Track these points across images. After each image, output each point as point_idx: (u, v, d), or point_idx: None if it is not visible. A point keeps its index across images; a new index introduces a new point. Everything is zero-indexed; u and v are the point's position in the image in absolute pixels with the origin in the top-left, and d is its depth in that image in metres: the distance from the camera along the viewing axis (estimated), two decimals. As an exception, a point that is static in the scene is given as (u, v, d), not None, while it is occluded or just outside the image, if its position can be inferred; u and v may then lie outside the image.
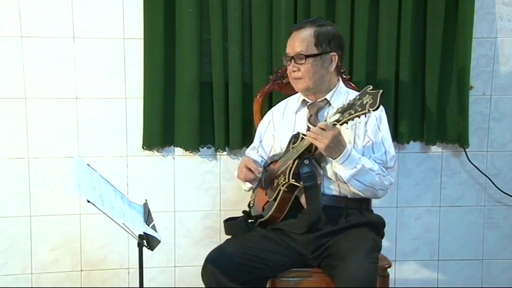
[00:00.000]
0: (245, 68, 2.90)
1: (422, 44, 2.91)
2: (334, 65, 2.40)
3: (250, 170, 2.39)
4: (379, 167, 2.32)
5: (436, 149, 3.07)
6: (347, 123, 2.13)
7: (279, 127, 2.51)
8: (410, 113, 2.94)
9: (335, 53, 2.39)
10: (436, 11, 2.86)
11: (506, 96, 3.05)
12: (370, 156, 2.33)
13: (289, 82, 2.64)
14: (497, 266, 3.17)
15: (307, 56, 2.35)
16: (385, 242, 2.45)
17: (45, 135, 2.88)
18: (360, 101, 2.07)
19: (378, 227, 2.42)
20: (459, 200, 3.11)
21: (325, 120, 2.19)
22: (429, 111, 2.94)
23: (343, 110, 2.12)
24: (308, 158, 2.27)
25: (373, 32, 2.87)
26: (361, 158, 2.28)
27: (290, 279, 2.37)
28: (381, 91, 2.04)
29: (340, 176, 2.29)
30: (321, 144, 2.18)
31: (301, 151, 2.25)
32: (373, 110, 2.05)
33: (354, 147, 2.31)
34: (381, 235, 2.44)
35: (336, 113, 2.15)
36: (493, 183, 3.06)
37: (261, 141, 2.58)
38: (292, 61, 2.38)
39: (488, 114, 3.06)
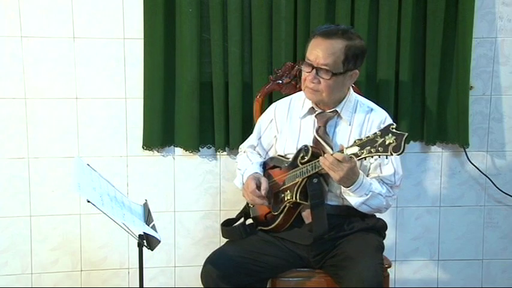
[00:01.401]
0: (245, 68, 2.89)
1: (422, 44, 2.91)
2: (353, 81, 2.34)
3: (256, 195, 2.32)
4: (386, 189, 2.31)
5: (436, 149, 3.07)
6: (365, 159, 2.08)
7: (282, 130, 2.45)
8: (410, 113, 2.94)
9: (357, 71, 2.31)
10: (436, 11, 2.86)
11: (506, 96, 3.04)
12: (379, 176, 2.32)
13: (289, 82, 2.64)
14: (497, 266, 3.17)
15: (333, 74, 2.23)
16: (385, 242, 2.45)
17: (45, 135, 2.88)
18: (382, 140, 2.00)
19: (380, 230, 2.43)
20: (459, 200, 3.11)
21: (342, 151, 2.12)
22: (429, 111, 2.94)
23: (362, 144, 2.06)
24: (317, 177, 2.23)
25: (373, 32, 2.87)
26: (372, 184, 2.25)
27: (291, 279, 2.37)
28: (406, 135, 1.98)
29: (348, 201, 2.28)
30: (335, 176, 2.14)
31: (312, 173, 2.21)
32: (397, 155, 2.00)
33: (360, 164, 2.26)
34: (383, 237, 2.45)
35: (354, 145, 2.08)
36: (493, 183, 3.06)
37: (259, 138, 2.54)
38: (313, 71, 2.25)
39: (488, 114, 3.05)
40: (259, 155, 2.54)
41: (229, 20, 2.83)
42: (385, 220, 2.47)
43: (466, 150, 3.01)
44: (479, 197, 3.11)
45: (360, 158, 2.07)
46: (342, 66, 2.24)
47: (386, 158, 2.06)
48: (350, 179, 2.17)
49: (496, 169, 3.09)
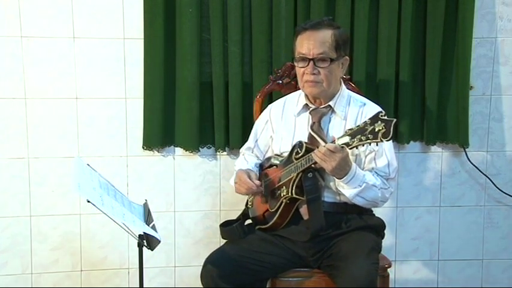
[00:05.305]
0: (245, 68, 2.89)
1: (422, 44, 2.91)
2: (345, 69, 2.38)
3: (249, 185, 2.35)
4: (381, 181, 2.31)
5: (436, 149, 3.07)
6: (356, 148, 2.10)
7: (277, 129, 2.48)
8: (410, 113, 2.94)
9: (347, 57, 2.35)
10: (436, 11, 2.86)
11: (506, 96, 3.05)
12: (373, 168, 2.32)
13: (289, 82, 2.64)
14: (497, 266, 3.17)
15: (331, 60, 2.27)
16: (385, 242, 2.46)
17: (45, 135, 2.88)
18: (372, 127, 2.02)
19: (378, 229, 2.42)
20: (459, 200, 3.11)
21: (333, 141, 2.14)
22: (429, 111, 2.94)
23: (352, 134, 2.07)
24: (312, 171, 2.24)
25: (373, 32, 2.87)
26: (365, 175, 2.26)
27: (291, 279, 2.37)
28: (395, 120, 2.00)
29: (343, 193, 2.28)
30: (328, 166, 2.15)
31: (305, 166, 2.22)
32: (386, 141, 2.02)
33: (355, 159, 2.29)
34: (381, 236, 2.44)
35: (345, 135, 2.10)
36: (493, 183, 3.06)
37: (256, 141, 2.56)
38: (311, 63, 2.29)
39: (488, 114, 3.06)
40: (257, 157, 2.56)
41: (229, 20, 2.83)
42: (384, 220, 2.46)
43: (466, 150, 3.01)
44: (479, 197, 3.11)
45: (351, 147, 2.09)
46: (335, 52, 2.29)
47: (377, 145, 2.06)
48: (343, 169, 2.18)
49: (496, 169, 3.09)
